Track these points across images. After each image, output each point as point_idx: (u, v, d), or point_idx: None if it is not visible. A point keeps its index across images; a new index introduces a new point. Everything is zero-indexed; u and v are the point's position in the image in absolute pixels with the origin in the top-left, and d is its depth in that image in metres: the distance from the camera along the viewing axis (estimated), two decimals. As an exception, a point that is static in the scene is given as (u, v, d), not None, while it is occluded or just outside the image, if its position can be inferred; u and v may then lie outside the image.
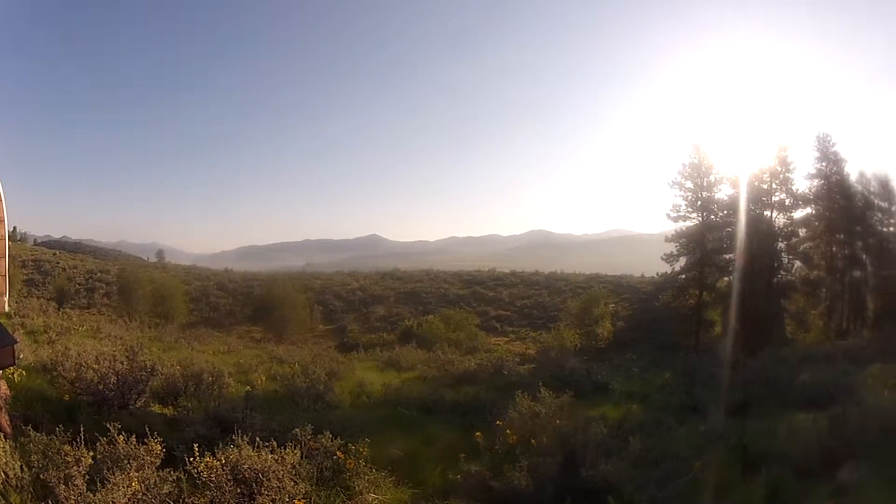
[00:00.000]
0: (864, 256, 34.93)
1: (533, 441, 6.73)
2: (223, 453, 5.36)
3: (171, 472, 5.15)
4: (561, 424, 7.23)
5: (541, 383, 9.30)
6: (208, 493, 5.10)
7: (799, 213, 36.16)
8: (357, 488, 5.89)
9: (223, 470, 5.16)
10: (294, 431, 6.34)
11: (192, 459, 5.22)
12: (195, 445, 5.44)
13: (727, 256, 35.33)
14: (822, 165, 36.05)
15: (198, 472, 5.13)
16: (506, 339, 40.60)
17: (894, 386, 10.25)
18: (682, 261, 36.05)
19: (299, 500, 5.18)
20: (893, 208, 34.31)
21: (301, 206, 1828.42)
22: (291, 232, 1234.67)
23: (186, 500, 5.12)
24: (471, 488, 6.07)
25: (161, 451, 5.41)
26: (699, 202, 35.83)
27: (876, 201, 34.65)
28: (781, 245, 35.67)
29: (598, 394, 13.36)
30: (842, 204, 34.86)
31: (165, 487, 5.00)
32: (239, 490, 5.12)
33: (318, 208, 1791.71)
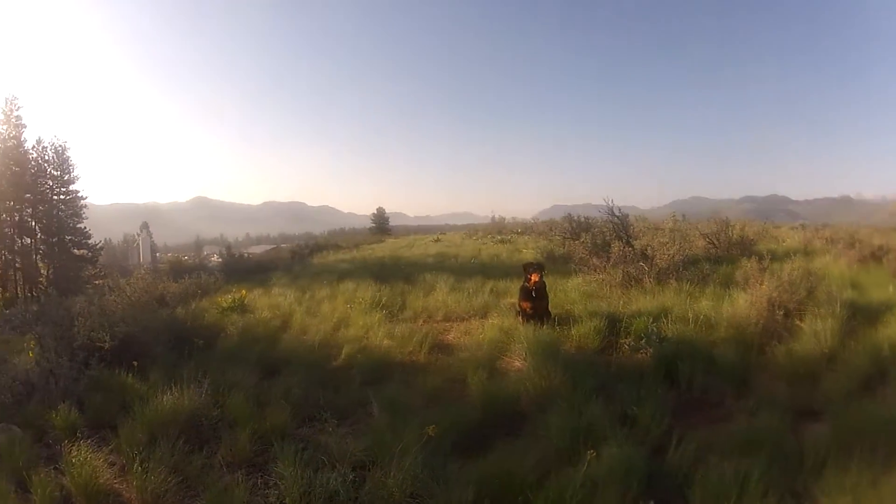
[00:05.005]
0: (33, 223, 34.93)
1: None
2: None
3: None
4: None
5: None
6: None
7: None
8: None
9: None
10: None
11: None
12: None
13: None
14: (2, 129, 34.03)
15: None
16: None
17: (36, 347, 9.88)
18: None
19: None
20: (66, 177, 35.52)
21: None
22: None
23: None
24: None
25: None
26: None
27: (49, 169, 35.10)
28: None
29: None
30: (14, 170, 33.70)
31: None
32: None
33: None
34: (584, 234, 13.96)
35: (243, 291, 12.36)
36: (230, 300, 11.50)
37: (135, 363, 7.44)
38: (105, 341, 8.01)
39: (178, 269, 19.08)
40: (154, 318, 9.78)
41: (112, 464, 4.94)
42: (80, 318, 8.35)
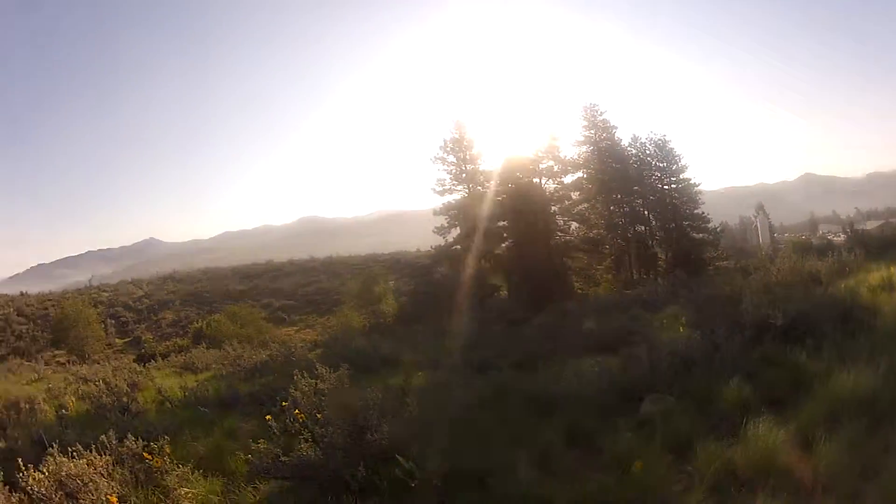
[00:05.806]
0: (645, 212, 38.60)
1: (318, 415, 6.70)
2: (45, 466, 5.57)
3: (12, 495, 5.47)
4: (342, 396, 7.17)
5: (317, 363, 9.18)
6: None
7: (568, 178, 39.07)
8: (170, 485, 5.99)
9: (48, 480, 5.41)
10: (100, 439, 6.33)
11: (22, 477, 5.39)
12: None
13: (501, 223, 36.85)
14: (590, 133, 39.13)
15: (31, 489, 5.29)
16: (295, 328, 40.09)
17: (687, 323, 10.83)
18: (454, 232, 36.95)
19: (113, 496, 5.41)
20: (673, 167, 37.86)
21: (75, 214, 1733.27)
22: (73, 244, 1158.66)
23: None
24: (264, 467, 6.08)
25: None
26: (464, 174, 37.20)
27: (653, 162, 38.12)
28: (555, 208, 38.03)
29: (387, 367, 13.44)
30: (615, 167, 37.99)
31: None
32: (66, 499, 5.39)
33: (92, 215, 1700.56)
34: None
35: (892, 269, 11.70)
36: (878, 278, 11.17)
37: (808, 340, 7.39)
38: (777, 318, 8.22)
39: (802, 249, 19.17)
40: (816, 296, 9.89)
41: (786, 441, 4.77)
42: (749, 296, 8.63)
